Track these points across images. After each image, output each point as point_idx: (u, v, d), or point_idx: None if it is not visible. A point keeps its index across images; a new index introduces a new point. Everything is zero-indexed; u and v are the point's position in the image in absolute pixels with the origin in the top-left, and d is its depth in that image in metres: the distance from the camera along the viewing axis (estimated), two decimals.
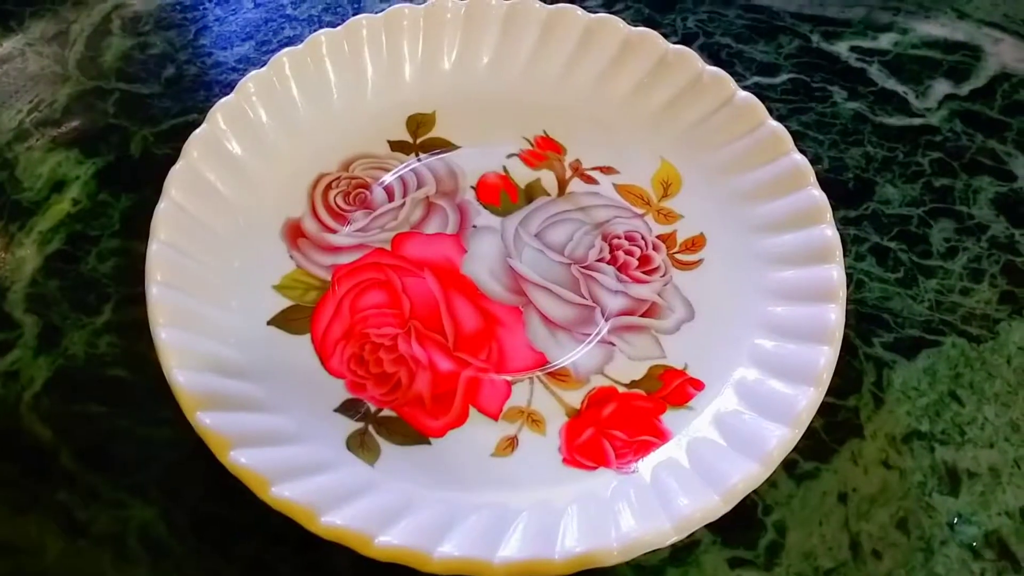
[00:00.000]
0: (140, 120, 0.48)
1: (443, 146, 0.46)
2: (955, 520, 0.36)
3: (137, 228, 0.39)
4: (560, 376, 0.39)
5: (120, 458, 0.37)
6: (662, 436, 0.37)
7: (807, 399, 0.35)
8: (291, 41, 0.45)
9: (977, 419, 0.39)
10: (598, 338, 0.40)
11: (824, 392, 0.35)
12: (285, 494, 0.32)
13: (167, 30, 0.52)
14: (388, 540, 0.31)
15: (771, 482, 0.36)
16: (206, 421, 0.33)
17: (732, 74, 0.45)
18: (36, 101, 0.48)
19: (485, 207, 0.44)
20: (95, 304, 0.41)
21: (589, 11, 0.47)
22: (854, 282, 0.43)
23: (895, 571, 0.35)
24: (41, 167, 0.46)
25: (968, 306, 0.42)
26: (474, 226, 0.43)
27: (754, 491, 0.35)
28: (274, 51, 0.44)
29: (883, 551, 0.35)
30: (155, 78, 0.50)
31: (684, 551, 0.35)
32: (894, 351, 0.41)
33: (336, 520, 0.31)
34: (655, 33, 0.46)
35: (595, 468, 0.36)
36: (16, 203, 0.44)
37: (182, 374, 0.34)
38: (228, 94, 0.43)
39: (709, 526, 0.35)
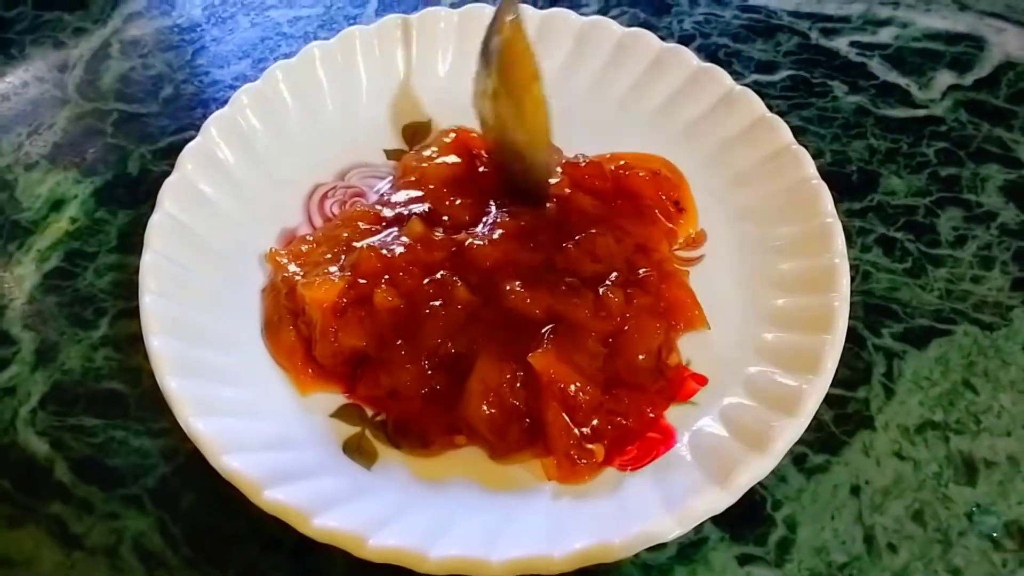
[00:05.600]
0: (138, 139, 0.48)
1: None
2: (973, 510, 0.35)
3: (134, 243, 0.39)
4: None
5: (115, 470, 0.36)
6: (665, 432, 0.36)
7: (811, 388, 0.34)
8: (287, 58, 0.45)
9: (993, 407, 0.38)
10: None
11: (829, 381, 0.34)
12: (279, 497, 0.31)
13: (165, 52, 0.52)
14: (382, 541, 0.30)
15: (780, 476, 0.35)
16: (198, 426, 0.33)
17: (730, 73, 0.44)
18: (36, 124, 0.49)
19: None
20: (92, 319, 0.41)
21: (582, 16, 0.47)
22: (860, 273, 0.42)
23: (912, 564, 0.34)
24: (40, 187, 0.46)
25: (979, 294, 0.41)
26: None
27: (763, 486, 0.35)
28: None
29: (899, 544, 0.34)
30: (153, 98, 0.50)
31: (691, 548, 0.34)
32: (904, 341, 0.40)
33: (329, 522, 0.31)
34: (648, 33, 0.46)
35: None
36: (15, 223, 0.44)
37: (174, 380, 0.34)
38: None
39: (717, 522, 0.34)
